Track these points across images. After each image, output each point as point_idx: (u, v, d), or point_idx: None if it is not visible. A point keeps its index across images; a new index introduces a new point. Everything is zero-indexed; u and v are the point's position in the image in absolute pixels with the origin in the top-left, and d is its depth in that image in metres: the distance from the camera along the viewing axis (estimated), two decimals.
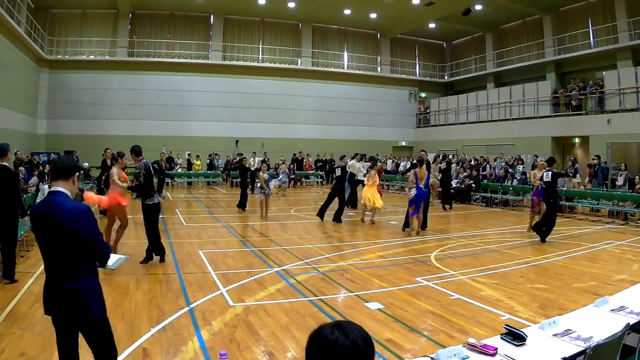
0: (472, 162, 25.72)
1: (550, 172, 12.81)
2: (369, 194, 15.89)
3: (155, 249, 9.93)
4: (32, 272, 8.84)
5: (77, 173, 3.91)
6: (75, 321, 3.73)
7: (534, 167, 18.08)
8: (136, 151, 10.01)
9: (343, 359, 1.75)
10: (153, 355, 5.38)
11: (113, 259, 4.08)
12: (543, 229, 12.78)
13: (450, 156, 25.76)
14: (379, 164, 18.50)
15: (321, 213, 16.52)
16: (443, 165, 20.74)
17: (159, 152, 25.39)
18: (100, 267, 3.92)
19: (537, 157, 22.09)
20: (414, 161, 14.75)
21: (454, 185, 23.40)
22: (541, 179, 13.39)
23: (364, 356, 1.78)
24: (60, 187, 3.77)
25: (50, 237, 3.65)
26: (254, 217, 16.89)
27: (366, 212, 16.22)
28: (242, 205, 18.52)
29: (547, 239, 12.69)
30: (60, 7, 31.53)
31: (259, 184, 17.02)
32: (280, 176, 26.06)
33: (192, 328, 6.16)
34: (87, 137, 29.96)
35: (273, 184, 20.72)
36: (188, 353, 5.41)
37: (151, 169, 10.02)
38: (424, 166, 13.91)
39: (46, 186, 13.93)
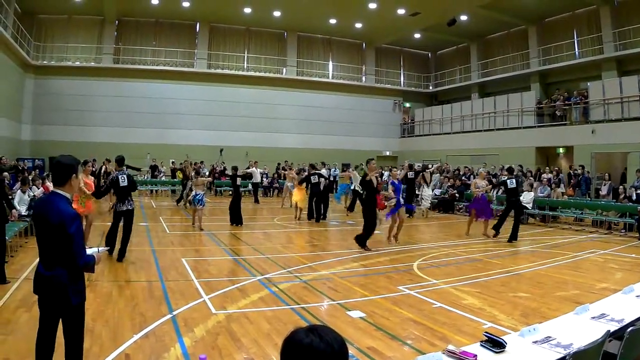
0: (456, 172, 25.76)
1: (514, 180, 15.00)
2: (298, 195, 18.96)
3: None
4: (17, 277, 8.71)
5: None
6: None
7: (475, 176, 20.40)
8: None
9: None
10: None
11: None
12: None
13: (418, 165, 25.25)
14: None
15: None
16: (411, 174, 19.93)
17: (143, 159, 25.21)
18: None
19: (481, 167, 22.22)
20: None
21: (437, 195, 23.47)
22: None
23: (339, 359, 1.78)
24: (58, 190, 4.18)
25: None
26: (237, 226, 16.76)
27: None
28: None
29: (514, 241, 14.23)
30: (47, 13, 31.31)
31: (194, 193, 15.87)
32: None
33: (174, 335, 6.13)
34: (71, 143, 29.52)
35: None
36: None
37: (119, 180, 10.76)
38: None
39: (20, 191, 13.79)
